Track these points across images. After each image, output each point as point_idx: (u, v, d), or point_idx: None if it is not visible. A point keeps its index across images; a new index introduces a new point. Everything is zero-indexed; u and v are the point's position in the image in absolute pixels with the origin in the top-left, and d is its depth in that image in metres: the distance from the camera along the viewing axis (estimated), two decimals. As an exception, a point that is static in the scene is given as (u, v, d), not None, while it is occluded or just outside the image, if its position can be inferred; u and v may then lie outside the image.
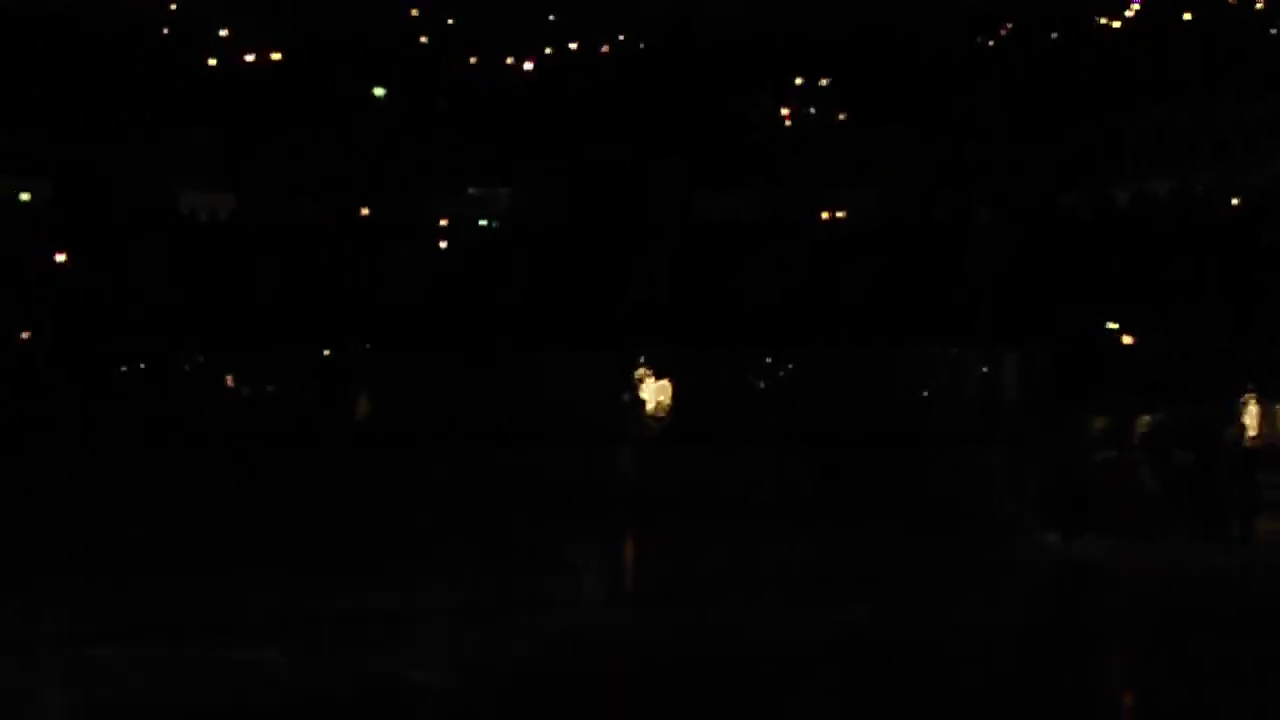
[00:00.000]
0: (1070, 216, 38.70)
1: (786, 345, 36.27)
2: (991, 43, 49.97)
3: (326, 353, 39.45)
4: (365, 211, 47.32)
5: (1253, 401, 31.16)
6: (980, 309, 35.80)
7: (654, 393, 36.20)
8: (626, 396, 36.20)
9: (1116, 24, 50.68)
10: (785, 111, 50.37)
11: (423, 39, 56.14)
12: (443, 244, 44.06)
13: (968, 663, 17.58)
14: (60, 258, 44.24)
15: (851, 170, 44.99)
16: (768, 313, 37.33)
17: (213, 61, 54.68)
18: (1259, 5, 48.67)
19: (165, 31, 55.80)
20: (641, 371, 36.22)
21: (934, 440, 33.09)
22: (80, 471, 36.13)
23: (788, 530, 30.35)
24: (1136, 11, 50.66)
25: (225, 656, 16.57)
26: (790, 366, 36.08)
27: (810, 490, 32.61)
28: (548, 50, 54.82)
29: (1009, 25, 50.12)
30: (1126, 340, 34.03)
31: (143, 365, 40.83)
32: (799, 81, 50.94)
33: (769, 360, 36.22)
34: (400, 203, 46.92)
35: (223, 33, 55.00)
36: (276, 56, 54.99)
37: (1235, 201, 37.32)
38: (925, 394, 34.91)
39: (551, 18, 55.18)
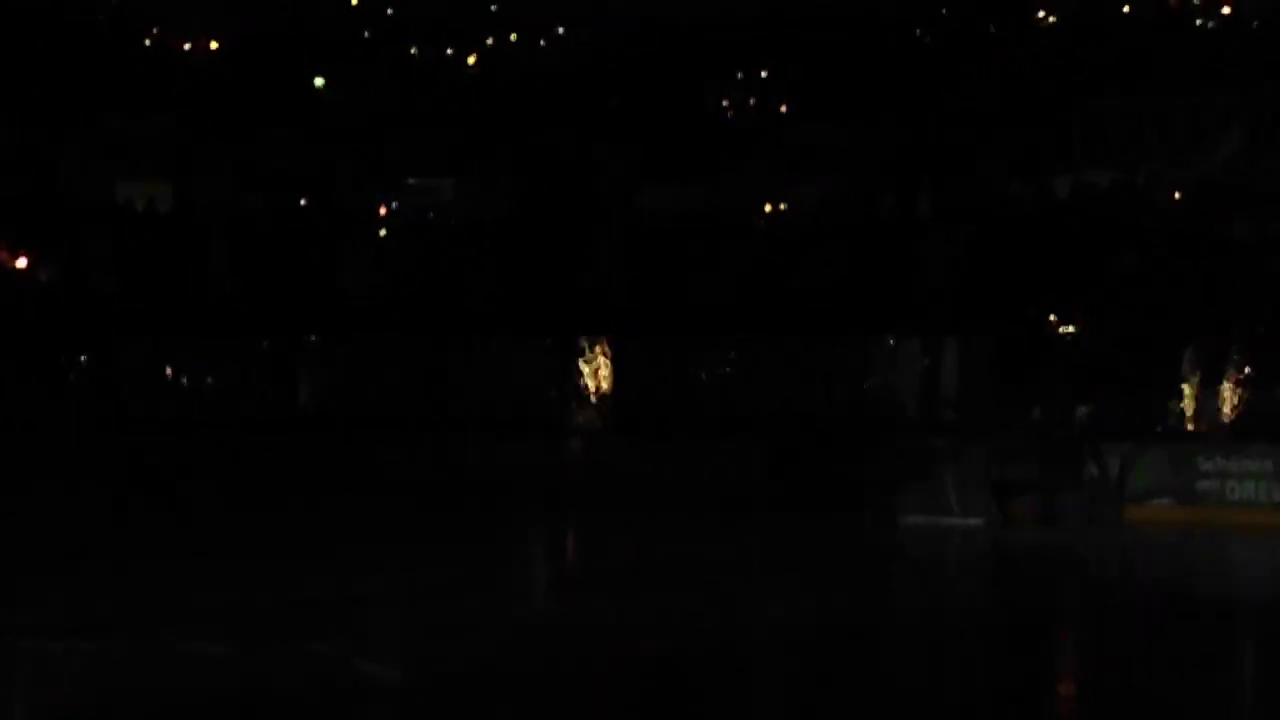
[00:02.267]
0: (1015, 208, 38.94)
1: (734, 336, 36.38)
2: (935, 36, 50.22)
3: (269, 342, 39.34)
4: (309, 201, 47.21)
5: (1190, 385, 31.56)
6: (925, 300, 36.02)
7: (599, 381, 36.27)
8: (572, 386, 36.28)
9: (1054, 19, 51.06)
10: (730, 103, 50.52)
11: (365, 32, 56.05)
12: (383, 232, 43.99)
13: (915, 649, 17.81)
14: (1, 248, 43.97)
15: (798, 163, 45.14)
16: (715, 304, 37.42)
17: (151, 47, 54.41)
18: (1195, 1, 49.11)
19: (106, 18, 55.47)
20: (588, 360, 36.28)
21: (876, 429, 33.31)
22: (25, 463, 35.95)
23: (736, 519, 30.57)
24: (1077, 6, 51.00)
25: (172, 648, 16.55)
26: (735, 357, 36.20)
27: (756, 480, 32.78)
28: (489, 41, 54.77)
29: (953, 18, 50.41)
30: (1068, 329, 34.29)
31: (85, 356, 40.62)
32: (745, 74, 51.08)
33: (716, 351, 36.33)
34: (348, 193, 46.82)
35: (165, 21, 54.74)
36: (215, 45, 54.80)
37: (1178, 194, 37.67)
38: (866, 385, 35.11)
39: (494, 8, 55.14)
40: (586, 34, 53.45)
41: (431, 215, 45.68)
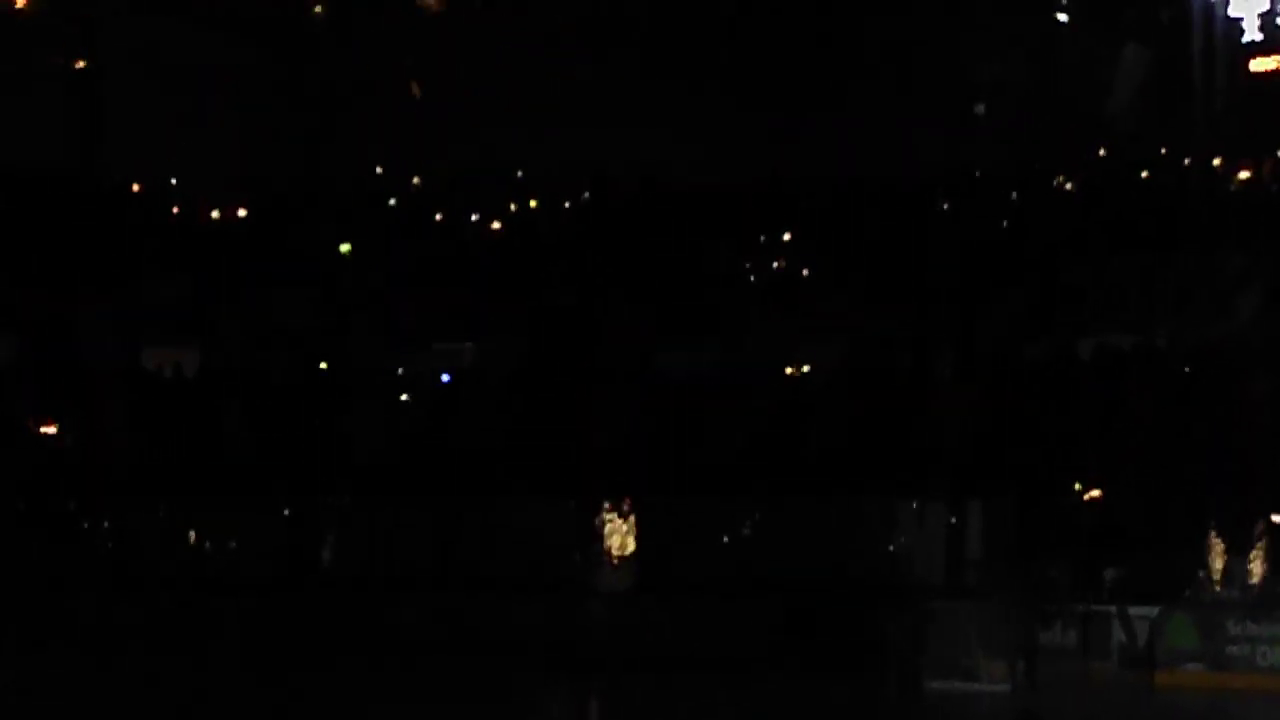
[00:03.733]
0: (1035, 368, 38.96)
1: (750, 496, 36.27)
2: (952, 202, 50.61)
3: (289, 506, 39.30)
4: (329, 365, 47.37)
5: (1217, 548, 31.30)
6: (945, 462, 35.91)
7: (617, 542, 36.12)
8: (596, 547, 36.14)
9: (1070, 185, 51.44)
10: (751, 265, 50.81)
11: (391, 200, 56.60)
12: (404, 397, 44.10)
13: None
14: (26, 415, 44.16)
15: (816, 324, 45.29)
16: (734, 464, 37.37)
17: (179, 215, 54.98)
18: (1217, 163, 49.44)
19: (135, 188, 56.10)
20: (605, 520, 36.17)
21: (898, 593, 33.04)
22: (44, 626, 35.82)
23: (755, 682, 30.23)
24: (1094, 170, 51.38)
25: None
26: (755, 518, 36.06)
27: (775, 642, 32.46)
28: (513, 206, 55.26)
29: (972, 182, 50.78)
30: (1093, 494, 34.13)
31: (108, 521, 40.64)
32: (763, 236, 51.42)
33: (734, 511, 36.22)
34: (366, 356, 47.00)
35: (189, 189, 55.34)
36: (243, 213, 55.35)
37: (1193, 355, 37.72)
38: (891, 547, 34.91)
39: (520, 174, 55.68)
40: (607, 196, 53.90)
41: (447, 377, 45.86)
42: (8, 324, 48.24)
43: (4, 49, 52.53)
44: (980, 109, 52.26)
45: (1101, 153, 52.82)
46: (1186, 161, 50.74)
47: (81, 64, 55.10)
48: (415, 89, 52.90)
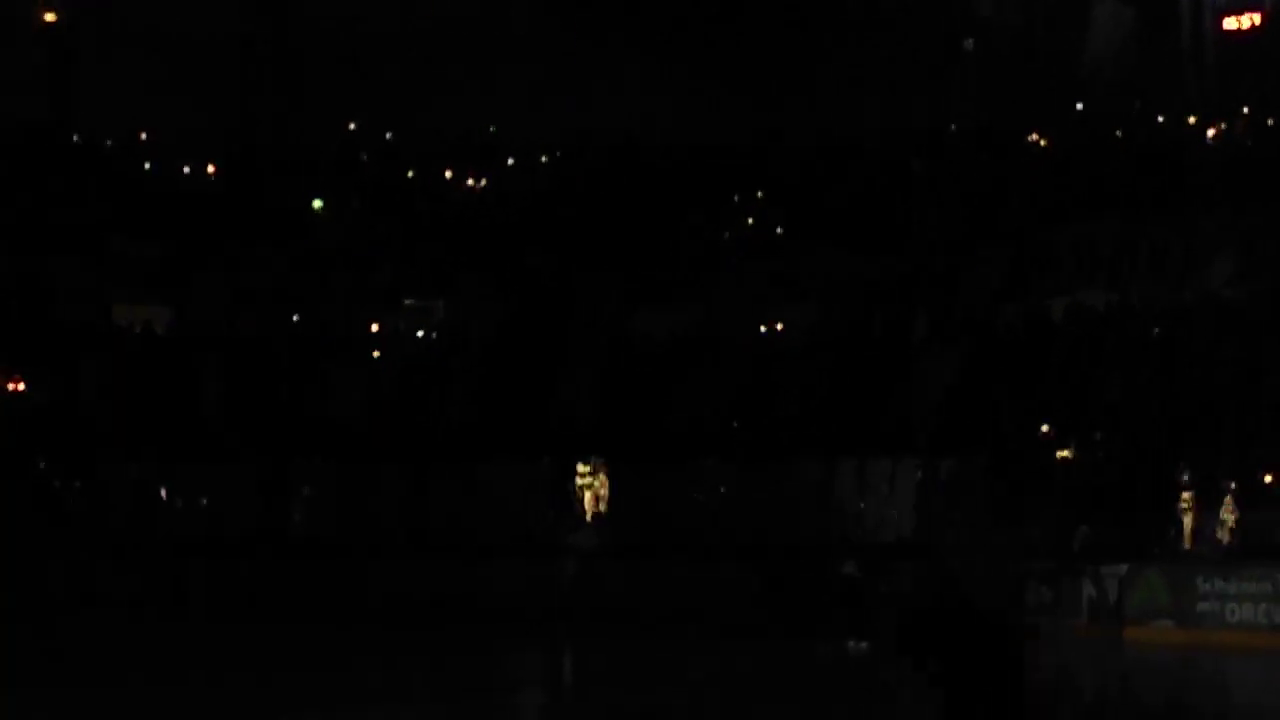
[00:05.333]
0: (1008, 329, 38.98)
1: (724, 458, 36.28)
2: (928, 161, 50.51)
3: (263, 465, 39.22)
4: (303, 324, 47.25)
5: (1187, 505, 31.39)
6: (919, 422, 35.95)
7: (591, 504, 36.13)
8: (570, 507, 36.16)
9: (1044, 141, 51.37)
10: (724, 226, 50.69)
11: (362, 155, 56.38)
12: (375, 354, 44.02)
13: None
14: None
15: (789, 285, 45.24)
16: (706, 427, 37.39)
17: (151, 173, 54.71)
18: (1191, 121, 49.43)
19: (108, 143, 55.83)
20: (580, 482, 36.16)
21: (870, 552, 33.08)
22: (18, 586, 35.75)
23: (729, 643, 30.27)
24: (1071, 128, 51.34)
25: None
26: (730, 478, 36.07)
27: (749, 603, 32.49)
28: (486, 167, 55.06)
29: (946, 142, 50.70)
30: (1064, 453, 34.18)
31: (80, 479, 40.50)
32: (737, 197, 51.29)
33: (707, 473, 36.22)
34: (340, 315, 46.88)
35: (164, 148, 55.07)
36: (211, 169, 55.10)
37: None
38: (862, 506, 34.95)
39: (493, 129, 55.46)
40: (582, 158, 53.76)
41: (421, 334, 45.76)
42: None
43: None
44: (969, 43, 52.23)
45: (1079, 107, 52.83)
46: (1160, 119, 50.77)
47: (51, 17, 54.76)
48: None
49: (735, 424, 37.43)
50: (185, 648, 29.51)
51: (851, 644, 29.47)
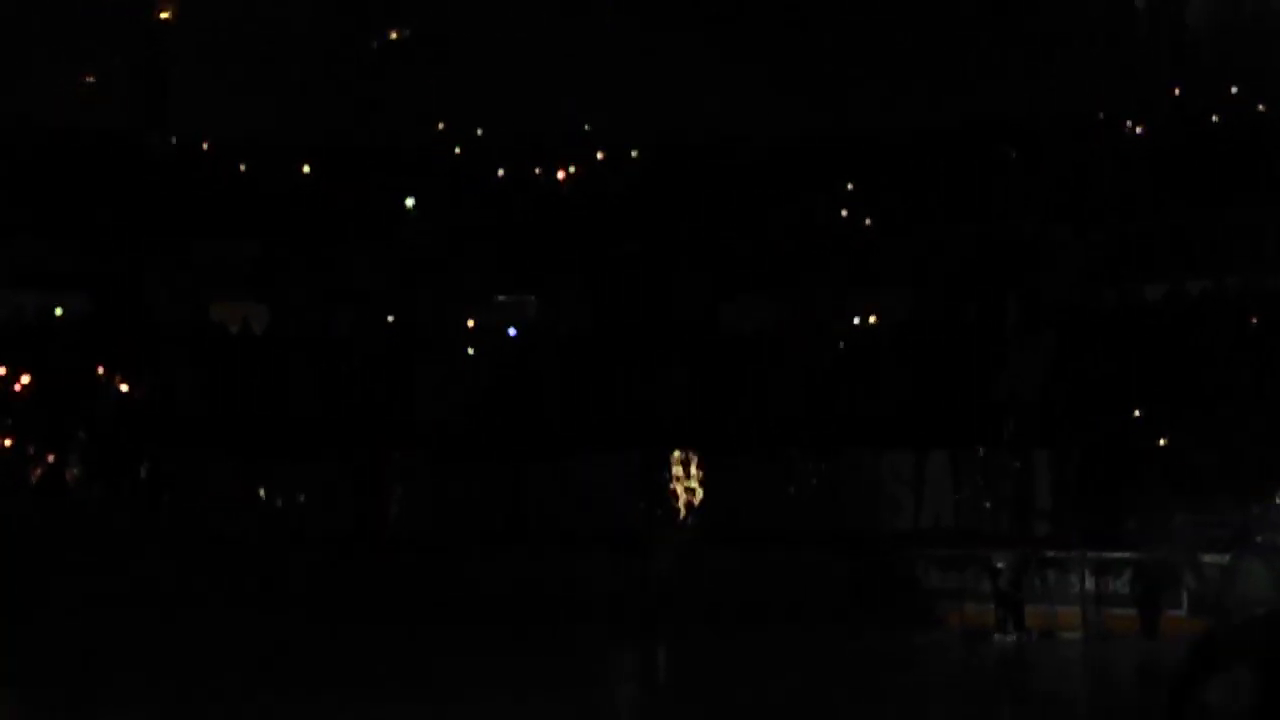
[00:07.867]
0: (1106, 315, 38.62)
1: (816, 449, 36.17)
2: (1020, 150, 50.09)
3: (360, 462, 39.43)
4: (396, 322, 47.54)
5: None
6: (1014, 410, 35.65)
7: (693, 495, 36.14)
8: (663, 500, 36.16)
9: (1140, 129, 50.83)
10: (815, 216, 50.51)
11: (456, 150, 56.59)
12: (469, 350, 44.19)
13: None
14: (98, 371, 44.48)
15: (879, 276, 45.09)
16: (798, 417, 37.27)
17: (246, 173, 55.18)
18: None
19: (205, 147, 56.36)
20: (671, 474, 36.16)
21: (966, 543, 32.94)
22: (115, 583, 36.13)
23: (827, 635, 30.19)
24: (1166, 115, 50.78)
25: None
26: (822, 470, 35.96)
27: (845, 593, 32.41)
28: (576, 162, 55.14)
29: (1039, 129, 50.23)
30: (1162, 443, 33.82)
31: (177, 477, 40.87)
32: (827, 189, 51.10)
33: (798, 464, 36.14)
34: (432, 313, 47.12)
35: (255, 147, 55.52)
36: (306, 169, 55.50)
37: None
38: (957, 497, 34.73)
39: (587, 127, 55.57)
40: (672, 153, 53.68)
41: (514, 332, 45.90)
42: (80, 283, 48.64)
43: (74, 12, 52.90)
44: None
45: (1177, 92, 52.27)
46: (1261, 107, 50.12)
47: (167, 15, 55.36)
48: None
49: (825, 415, 37.29)
50: (307, 644, 29.72)
51: (997, 637, 29.78)
